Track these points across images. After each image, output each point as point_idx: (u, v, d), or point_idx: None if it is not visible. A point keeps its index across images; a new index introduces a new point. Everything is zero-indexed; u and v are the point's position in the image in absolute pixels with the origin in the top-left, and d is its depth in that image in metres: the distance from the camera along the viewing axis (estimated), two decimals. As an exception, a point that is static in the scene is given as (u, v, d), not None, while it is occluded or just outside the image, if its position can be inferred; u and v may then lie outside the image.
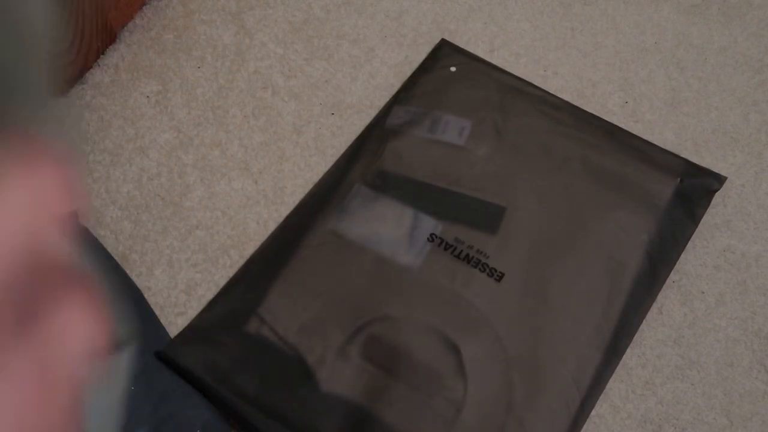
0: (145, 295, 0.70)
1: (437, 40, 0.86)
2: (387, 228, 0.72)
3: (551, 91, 0.82)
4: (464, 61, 0.83)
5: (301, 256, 0.71)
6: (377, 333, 0.67)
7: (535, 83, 0.83)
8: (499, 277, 0.70)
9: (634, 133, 0.79)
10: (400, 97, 0.80)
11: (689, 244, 0.74)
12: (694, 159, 0.78)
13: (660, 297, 0.71)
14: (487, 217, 0.72)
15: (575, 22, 0.90)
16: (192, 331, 0.68)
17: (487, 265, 0.70)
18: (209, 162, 0.78)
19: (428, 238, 0.72)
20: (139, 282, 0.71)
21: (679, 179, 0.75)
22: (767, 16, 0.91)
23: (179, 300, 0.70)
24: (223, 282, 0.71)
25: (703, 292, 0.72)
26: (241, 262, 0.72)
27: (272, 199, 0.76)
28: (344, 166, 0.76)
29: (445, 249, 0.71)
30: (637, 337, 0.69)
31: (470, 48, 0.86)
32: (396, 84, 0.83)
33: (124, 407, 0.58)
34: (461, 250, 0.71)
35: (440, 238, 0.72)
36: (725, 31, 0.89)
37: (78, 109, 0.81)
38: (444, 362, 0.66)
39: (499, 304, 0.69)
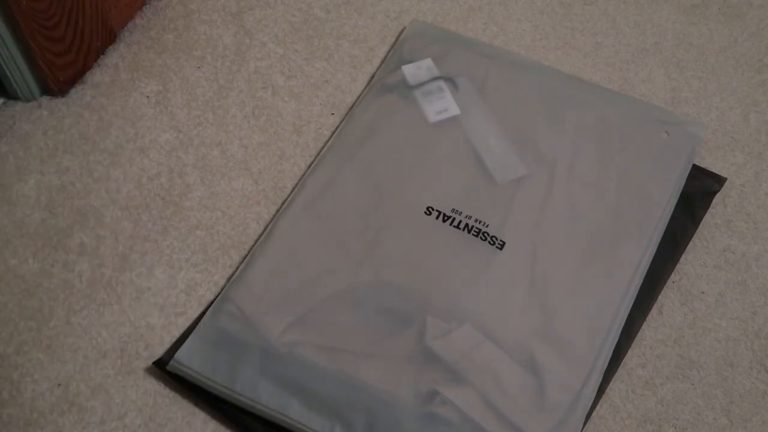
0: (145, 295, 0.70)
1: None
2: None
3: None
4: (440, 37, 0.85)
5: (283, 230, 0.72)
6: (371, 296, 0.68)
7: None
8: (501, 246, 0.70)
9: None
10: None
11: (689, 244, 0.74)
12: (695, 159, 0.78)
13: (660, 297, 0.71)
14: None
15: (575, 22, 0.90)
16: (189, 335, 0.67)
17: (488, 234, 0.71)
18: (209, 162, 0.78)
19: (425, 211, 0.72)
20: (139, 282, 0.71)
21: (665, 131, 0.78)
22: (767, 16, 0.91)
23: (179, 300, 0.70)
24: (223, 282, 0.71)
25: (703, 292, 0.72)
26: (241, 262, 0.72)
27: (272, 199, 0.76)
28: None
29: (444, 221, 0.72)
30: (637, 337, 0.69)
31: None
32: (396, 84, 0.83)
33: None
34: (460, 221, 0.71)
35: (438, 210, 0.72)
36: (725, 31, 0.90)
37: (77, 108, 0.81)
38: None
39: (500, 271, 0.69)
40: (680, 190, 0.75)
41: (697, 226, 0.75)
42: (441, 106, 0.79)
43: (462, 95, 0.80)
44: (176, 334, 0.69)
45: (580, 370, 0.65)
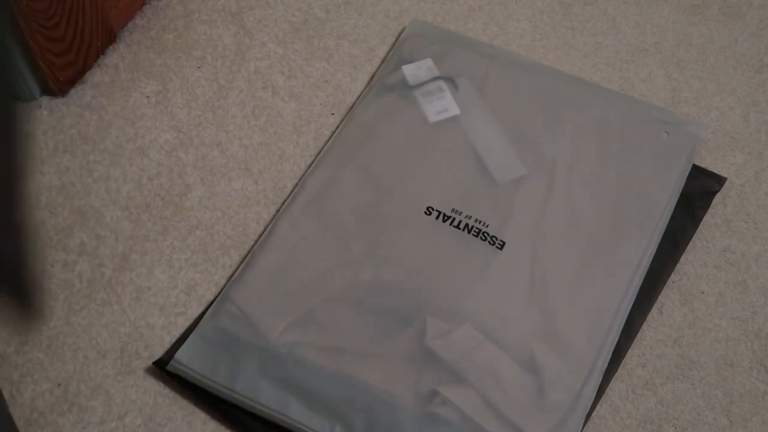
0: (145, 295, 0.70)
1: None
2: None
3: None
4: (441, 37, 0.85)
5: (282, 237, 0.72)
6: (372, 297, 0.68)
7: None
8: (501, 246, 0.70)
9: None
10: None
11: (689, 244, 0.74)
12: (695, 159, 0.78)
13: (660, 297, 0.71)
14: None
15: (575, 22, 0.90)
16: (189, 335, 0.67)
17: (488, 234, 0.71)
18: (209, 162, 0.78)
19: (425, 212, 0.72)
20: (139, 282, 0.71)
21: (665, 131, 0.78)
22: (767, 16, 0.91)
23: (179, 300, 0.70)
24: (223, 282, 0.71)
25: (703, 292, 0.72)
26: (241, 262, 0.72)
27: (272, 199, 0.76)
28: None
29: (444, 221, 0.71)
30: (637, 337, 0.69)
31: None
32: (396, 84, 0.83)
33: None
34: (460, 221, 0.71)
35: (438, 210, 0.72)
36: (725, 31, 0.89)
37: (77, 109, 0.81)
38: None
39: (500, 271, 0.69)
40: (680, 190, 0.75)
41: (697, 226, 0.75)
42: (441, 106, 0.79)
43: (462, 95, 0.80)
44: (176, 334, 0.69)
45: (580, 370, 0.65)
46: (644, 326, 0.70)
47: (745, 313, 0.71)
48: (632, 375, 0.68)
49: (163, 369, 0.66)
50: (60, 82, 0.80)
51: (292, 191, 0.76)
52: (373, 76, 0.84)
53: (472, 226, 0.72)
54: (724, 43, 0.88)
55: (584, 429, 0.65)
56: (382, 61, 0.85)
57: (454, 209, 0.72)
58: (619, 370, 0.68)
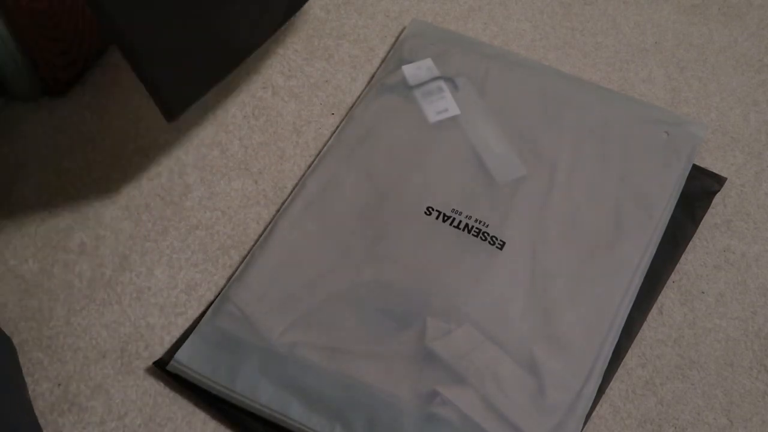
0: (145, 295, 0.70)
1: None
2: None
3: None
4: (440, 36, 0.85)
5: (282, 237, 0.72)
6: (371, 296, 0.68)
7: (535, 83, 0.83)
8: (501, 246, 0.70)
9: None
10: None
11: (689, 244, 0.74)
12: (695, 159, 0.78)
13: (660, 297, 0.71)
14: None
15: (575, 22, 0.90)
16: (190, 335, 0.68)
17: (488, 234, 0.71)
18: (209, 162, 0.78)
19: (426, 212, 0.72)
20: (139, 282, 0.71)
21: (665, 132, 0.78)
22: (767, 16, 0.91)
23: (179, 300, 0.71)
24: (223, 282, 0.71)
25: (703, 292, 0.72)
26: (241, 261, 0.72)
27: (272, 199, 0.76)
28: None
29: (444, 221, 0.72)
30: (637, 337, 0.69)
31: (470, 48, 0.86)
32: (396, 84, 0.83)
33: None
34: (460, 221, 0.71)
35: (438, 210, 0.72)
36: (725, 31, 0.89)
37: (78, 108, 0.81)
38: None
39: (500, 271, 0.69)
40: (680, 190, 0.75)
41: (697, 226, 0.75)
42: (441, 106, 0.79)
43: (462, 95, 0.80)
44: (176, 334, 0.69)
45: (580, 371, 0.65)
46: (644, 326, 0.70)
47: (745, 313, 0.71)
48: (632, 375, 0.68)
49: (163, 369, 0.66)
50: (60, 82, 0.80)
51: (292, 191, 0.76)
52: (373, 76, 0.84)
53: (472, 226, 0.72)
54: (724, 43, 0.88)
55: (584, 429, 0.65)
56: (382, 61, 0.85)
57: (454, 209, 0.72)
58: (619, 370, 0.68)
